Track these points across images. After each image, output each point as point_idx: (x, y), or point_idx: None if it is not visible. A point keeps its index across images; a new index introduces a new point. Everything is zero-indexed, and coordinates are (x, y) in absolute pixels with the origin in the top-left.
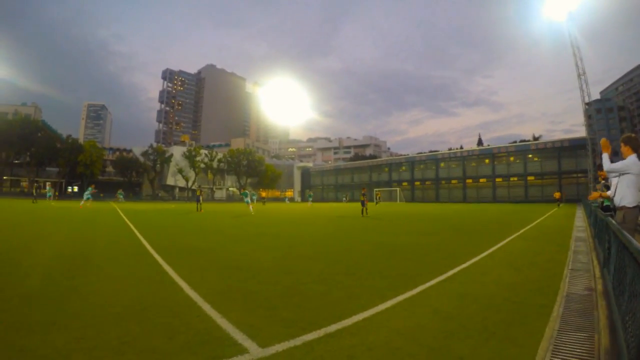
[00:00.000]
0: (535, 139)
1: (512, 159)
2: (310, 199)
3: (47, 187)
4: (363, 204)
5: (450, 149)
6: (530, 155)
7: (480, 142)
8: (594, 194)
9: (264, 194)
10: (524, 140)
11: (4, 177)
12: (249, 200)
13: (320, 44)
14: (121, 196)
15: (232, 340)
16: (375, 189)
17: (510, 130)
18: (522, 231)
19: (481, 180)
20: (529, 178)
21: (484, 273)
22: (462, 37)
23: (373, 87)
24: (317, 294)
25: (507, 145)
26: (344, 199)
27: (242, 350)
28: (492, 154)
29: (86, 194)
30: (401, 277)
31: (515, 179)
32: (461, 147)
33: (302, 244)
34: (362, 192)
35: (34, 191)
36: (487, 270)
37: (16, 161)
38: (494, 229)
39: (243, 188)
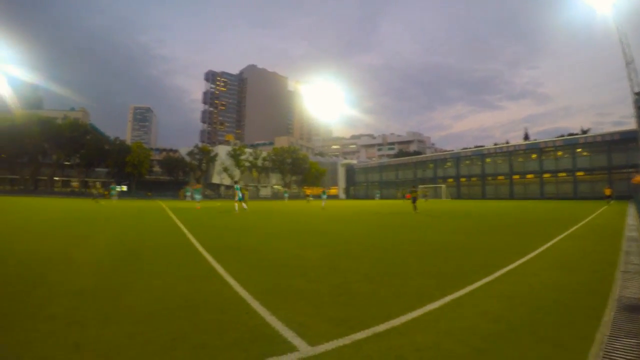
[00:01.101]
0: (584, 132)
1: (560, 153)
2: (325, 196)
3: (112, 186)
4: (414, 201)
5: (495, 144)
6: (578, 150)
7: (526, 137)
8: (638, 177)
9: (308, 192)
10: (572, 134)
11: (55, 178)
12: (241, 197)
13: (360, 41)
14: (189, 193)
15: (281, 338)
16: (420, 186)
17: (557, 123)
18: (571, 230)
19: (528, 176)
20: (578, 174)
21: (532, 274)
22: (504, 28)
23: (415, 82)
24: (365, 293)
25: (555, 139)
26: (377, 195)
27: (292, 348)
28: (540, 149)
29: (198, 195)
30: (448, 277)
31: (564, 174)
32: (507, 142)
33: (348, 242)
34: (413, 189)
35: (94, 191)
36: (536, 270)
37: (66, 162)
38: (542, 228)
39: (236, 182)
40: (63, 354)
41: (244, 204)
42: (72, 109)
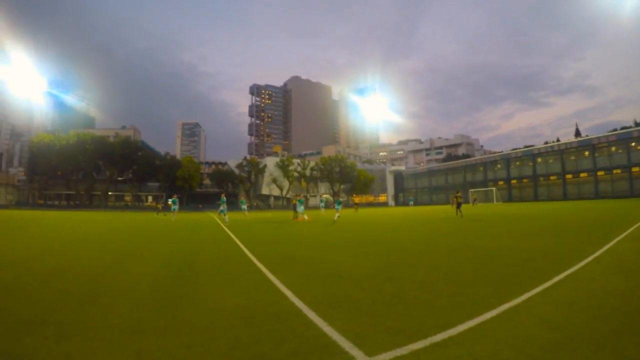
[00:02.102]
0: (637, 124)
1: (613, 149)
2: (339, 206)
3: (172, 199)
4: (459, 206)
5: (546, 143)
6: (633, 144)
7: (577, 133)
8: None
9: (357, 200)
10: (625, 127)
11: (109, 193)
12: (224, 210)
13: (400, 45)
14: (244, 206)
15: (339, 348)
16: (470, 190)
17: (608, 117)
18: (630, 230)
19: (582, 175)
20: (634, 169)
21: (591, 279)
22: (544, 17)
23: (459, 83)
24: (421, 302)
25: (608, 134)
26: (411, 202)
27: (350, 359)
28: (592, 145)
29: (301, 207)
30: (505, 284)
31: (619, 171)
32: (558, 140)
33: (401, 250)
34: (457, 194)
35: (159, 205)
36: (595, 276)
37: (119, 178)
38: (599, 229)
39: (223, 193)
40: None
41: (225, 217)
42: (123, 127)
